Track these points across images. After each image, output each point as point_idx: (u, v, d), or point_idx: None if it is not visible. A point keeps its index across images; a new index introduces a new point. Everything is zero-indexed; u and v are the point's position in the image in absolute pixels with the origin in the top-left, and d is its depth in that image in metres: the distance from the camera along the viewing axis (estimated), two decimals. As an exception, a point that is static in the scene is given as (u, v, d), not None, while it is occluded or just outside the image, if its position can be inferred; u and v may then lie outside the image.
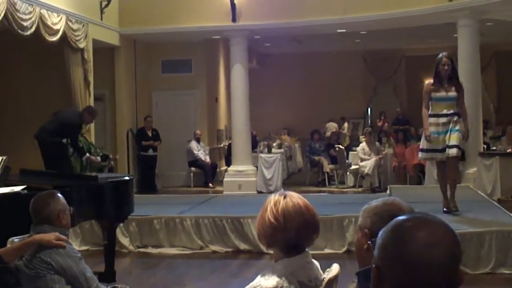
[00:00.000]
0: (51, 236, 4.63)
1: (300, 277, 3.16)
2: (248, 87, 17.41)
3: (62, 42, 13.49)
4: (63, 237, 4.70)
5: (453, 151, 9.95)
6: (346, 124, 25.00)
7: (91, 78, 14.62)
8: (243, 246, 10.76)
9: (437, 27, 17.30)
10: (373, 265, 1.89)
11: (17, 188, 6.74)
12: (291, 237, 3.16)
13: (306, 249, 3.27)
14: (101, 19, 15.57)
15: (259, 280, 3.11)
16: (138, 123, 18.04)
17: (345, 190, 17.60)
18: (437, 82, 10.02)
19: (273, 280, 3.07)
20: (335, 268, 3.38)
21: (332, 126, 23.48)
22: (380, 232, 1.91)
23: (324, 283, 3.23)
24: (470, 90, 15.09)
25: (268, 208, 3.20)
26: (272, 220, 3.16)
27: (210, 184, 18.47)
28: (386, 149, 18.35)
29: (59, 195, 4.97)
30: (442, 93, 9.97)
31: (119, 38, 16.75)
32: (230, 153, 18.23)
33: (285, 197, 3.23)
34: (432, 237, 1.82)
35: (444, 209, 10.25)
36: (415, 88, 24.76)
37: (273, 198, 3.26)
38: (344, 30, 17.97)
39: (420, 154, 10.65)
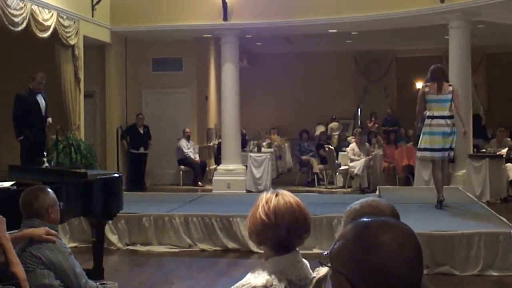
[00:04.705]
0: (41, 231, 4.62)
1: (289, 275, 3.15)
2: (239, 86, 17.41)
3: (53, 38, 13.47)
4: (53, 231, 4.69)
5: None
6: (333, 123, 24.77)
7: (81, 75, 14.59)
8: (231, 245, 10.76)
9: (428, 28, 17.32)
10: (345, 280, 1.81)
11: (6, 184, 6.70)
12: (281, 235, 3.16)
13: (297, 248, 3.27)
14: (92, 16, 15.55)
15: (249, 277, 3.10)
16: (128, 120, 18.00)
17: (334, 190, 17.61)
18: None
19: (262, 278, 3.07)
20: (324, 268, 3.37)
21: (321, 129, 23.42)
22: (340, 245, 1.86)
23: (313, 282, 3.23)
24: (460, 92, 15.18)
25: (260, 206, 3.20)
26: (263, 217, 3.16)
27: (199, 183, 18.45)
28: (375, 150, 18.36)
29: (49, 189, 4.96)
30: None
31: (110, 35, 16.73)
32: (220, 152, 18.21)
33: (277, 195, 3.23)
34: (398, 237, 1.81)
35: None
36: (406, 89, 24.88)
37: (265, 196, 3.26)
38: (336, 31, 17.96)
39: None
